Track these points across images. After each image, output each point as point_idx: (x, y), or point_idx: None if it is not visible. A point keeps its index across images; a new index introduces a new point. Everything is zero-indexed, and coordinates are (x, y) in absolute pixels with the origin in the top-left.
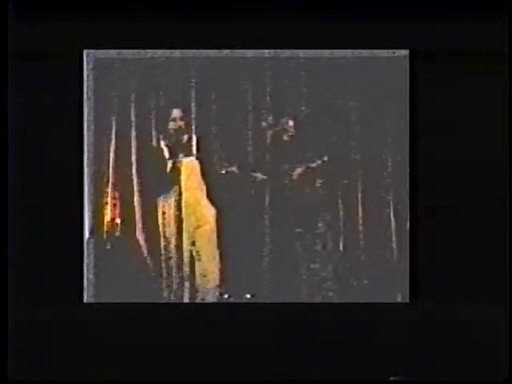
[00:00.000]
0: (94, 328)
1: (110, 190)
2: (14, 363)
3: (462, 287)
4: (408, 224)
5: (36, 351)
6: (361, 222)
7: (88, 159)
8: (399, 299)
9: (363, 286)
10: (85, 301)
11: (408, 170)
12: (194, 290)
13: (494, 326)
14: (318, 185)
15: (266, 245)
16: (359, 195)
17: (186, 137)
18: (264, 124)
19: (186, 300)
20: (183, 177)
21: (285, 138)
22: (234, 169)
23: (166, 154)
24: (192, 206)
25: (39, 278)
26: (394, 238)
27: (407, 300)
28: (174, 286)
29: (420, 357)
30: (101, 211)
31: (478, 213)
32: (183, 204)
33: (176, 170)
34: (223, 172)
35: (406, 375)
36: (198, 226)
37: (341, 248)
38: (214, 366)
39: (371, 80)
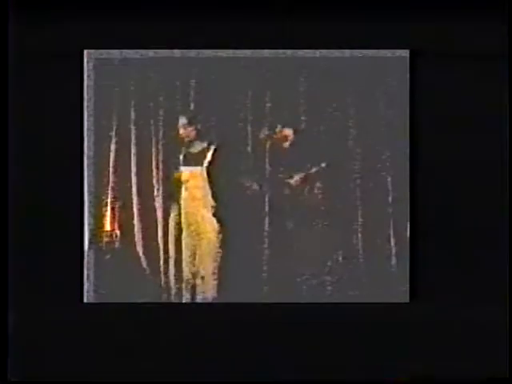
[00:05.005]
0: (94, 328)
1: (109, 194)
2: (14, 363)
3: (461, 287)
4: (408, 224)
5: (36, 351)
6: (361, 222)
7: (88, 160)
8: (399, 299)
9: (363, 286)
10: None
11: (408, 170)
12: (193, 302)
13: (493, 325)
14: (319, 184)
15: (265, 253)
16: (358, 195)
17: (199, 146)
18: (264, 128)
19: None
20: (184, 187)
21: (285, 142)
22: (233, 177)
23: (180, 161)
24: (193, 217)
25: (39, 278)
26: (393, 238)
27: (407, 300)
28: (173, 296)
29: (420, 357)
30: (100, 219)
31: (478, 213)
32: (183, 215)
33: (177, 179)
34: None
35: (407, 376)
36: (199, 237)
37: (341, 248)
38: (213, 367)
39: (371, 80)
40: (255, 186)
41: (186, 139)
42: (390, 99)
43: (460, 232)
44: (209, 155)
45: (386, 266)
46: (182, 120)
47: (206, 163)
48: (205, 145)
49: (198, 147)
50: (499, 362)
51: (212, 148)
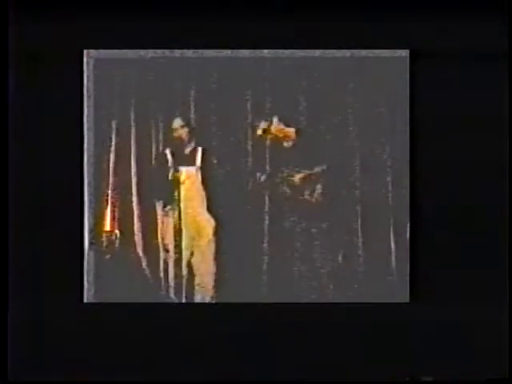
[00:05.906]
0: (94, 328)
1: (109, 195)
2: (14, 363)
3: (461, 287)
4: (408, 224)
5: (36, 351)
6: (361, 222)
7: (88, 160)
8: (399, 299)
9: (363, 286)
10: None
11: (408, 170)
12: (192, 302)
13: (494, 325)
14: (319, 184)
15: (265, 255)
16: (358, 195)
17: (189, 147)
18: (262, 127)
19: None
20: (183, 187)
21: (285, 143)
22: (232, 176)
23: (169, 162)
24: (192, 217)
25: (39, 278)
26: (393, 238)
27: (407, 300)
28: (172, 296)
29: (420, 357)
30: (100, 219)
31: (478, 213)
32: (183, 215)
33: (176, 180)
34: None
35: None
36: (198, 237)
37: (341, 248)
38: (213, 367)
39: (371, 80)
40: (263, 178)
41: (185, 139)
42: (390, 99)
43: (460, 232)
44: (205, 155)
45: (385, 266)
46: (180, 120)
47: (198, 163)
48: (202, 145)
49: (195, 147)
50: (499, 362)
51: (209, 148)
